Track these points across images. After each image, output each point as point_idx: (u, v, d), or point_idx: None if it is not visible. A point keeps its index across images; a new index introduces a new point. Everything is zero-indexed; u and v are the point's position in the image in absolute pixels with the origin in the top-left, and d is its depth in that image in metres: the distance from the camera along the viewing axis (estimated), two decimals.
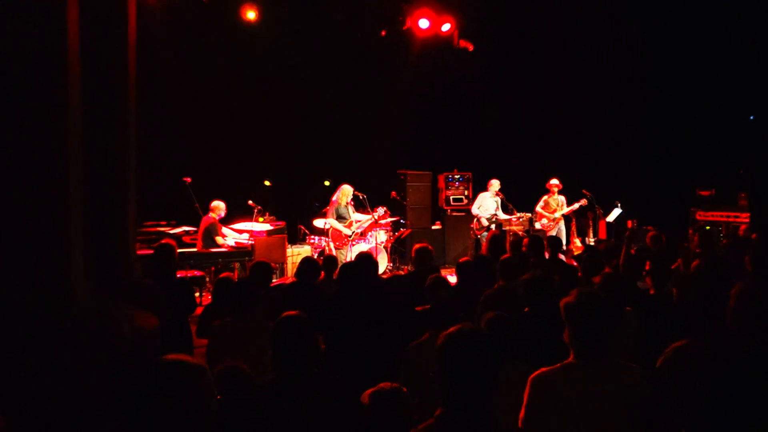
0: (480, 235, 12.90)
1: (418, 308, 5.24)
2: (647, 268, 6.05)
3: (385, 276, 7.02)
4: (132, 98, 6.47)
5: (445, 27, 13.96)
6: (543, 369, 3.11)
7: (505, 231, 12.70)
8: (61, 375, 2.57)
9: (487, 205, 13.07)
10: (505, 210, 13.14)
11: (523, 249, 7.82)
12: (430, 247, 7.35)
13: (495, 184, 13.12)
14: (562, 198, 13.13)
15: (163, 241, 6.54)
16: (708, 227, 12.86)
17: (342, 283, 5.85)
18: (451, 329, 2.33)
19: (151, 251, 6.99)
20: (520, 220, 13.08)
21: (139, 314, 2.96)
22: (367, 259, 6.11)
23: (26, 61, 3.93)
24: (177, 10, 12.00)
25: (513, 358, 3.81)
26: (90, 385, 2.46)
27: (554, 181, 13.13)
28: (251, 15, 12.22)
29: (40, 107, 4.05)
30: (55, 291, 4.04)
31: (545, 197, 13.15)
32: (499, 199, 13.10)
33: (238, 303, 4.99)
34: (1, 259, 3.91)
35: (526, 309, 4.87)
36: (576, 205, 13.03)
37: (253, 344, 4.71)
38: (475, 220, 13.14)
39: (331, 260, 7.52)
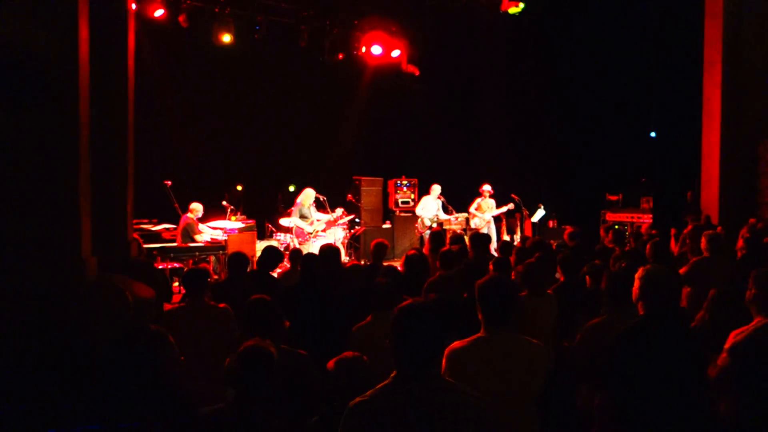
0: (423, 233, 12.99)
1: None
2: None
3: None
4: (131, 103, 6.42)
5: (395, 53, 14.09)
6: (456, 342, 3.19)
7: (444, 229, 12.84)
8: (77, 331, 2.57)
9: (429, 206, 13.18)
10: (445, 211, 13.28)
11: (467, 246, 7.91)
12: (386, 242, 7.48)
13: (436, 189, 13.23)
14: (492, 201, 13.34)
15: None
16: (617, 226, 13.24)
17: (303, 271, 5.89)
18: (403, 304, 2.40)
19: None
20: (458, 220, 13.24)
21: (137, 286, 2.96)
22: (328, 250, 6.16)
23: (47, 77, 3.92)
24: (159, 32, 11.87)
25: (451, 334, 3.89)
26: (99, 340, 2.46)
27: (486, 187, 13.34)
28: (226, 39, 12.12)
29: (56, 115, 4.03)
30: (69, 264, 4.03)
31: (478, 200, 13.33)
32: (440, 202, 13.23)
33: (188, 289, 4.78)
34: (27, 239, 3.88)
35: (465, 294, 4.96)
36: (504, 209, 13.28)
37: (206, 326, 4.58)
38: (419, 220, 13.24)
39: (296, 253, 7.54)
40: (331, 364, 3.20)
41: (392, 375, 2.34)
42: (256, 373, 2.78)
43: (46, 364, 2.52)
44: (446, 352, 3.11)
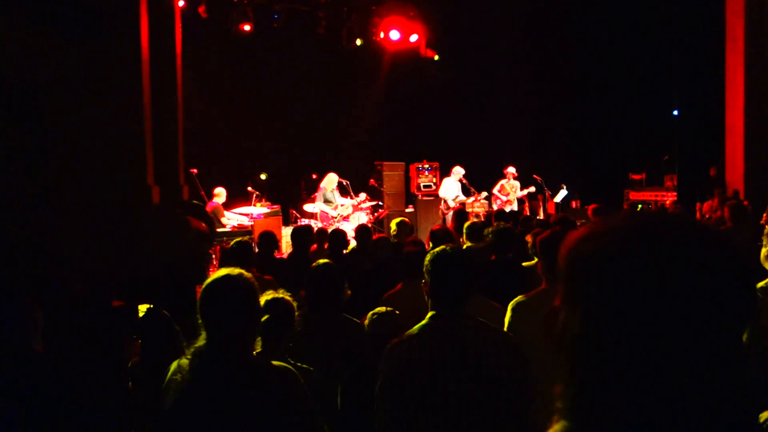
0: (447, 214, 13.11)
1: None
2: None
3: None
4: (179, 59, 6.78)
5: (413, 38, 14.21)
6: (519, 296, 3.37)
7: (467, 211, 12.95)
8: (145, 246, 2.78)
9: (451, 188, 13.32)
10: (467, 193, 13.38)
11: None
12: (408, 221, 7.68)
13: (457, 171, 13.36)
14: (516, 183, 13.46)
15: None
16: (640, 206, 13.31)
17: (331, 246, 6.14)
18: (436, 249, 2.57)
19: None
20: (481, 202, 13.34)
21: (193, 220, 3.15)
22: (362, 228, 6.45)
23: (110, 14, 4.22)
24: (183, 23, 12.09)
25: (479, 294, 4.05)
26: (165, 257, 2.65)
27: (511, 169, 13.46)
28: (246, 28, 12.34)
29: (120, 51, 4.34)
30: (137, 189, 4.31)
31: (502, 181, 13.45)
32: (460, 183, 13.34)
33: (237, 260, 5.01)
34: (101, 165, 4.15)
35: (493, 257, 5.11)
36: (526, 191, 13.40)
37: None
38: (442, 202, 13.38)
39: (322, 233, 7.76)
40: (365, 318, 3.37)
41: (428, 315, 2.51)
42: (276, 323, 2.89)
43: (117, 276, 2.74)
44: (510, 305, 3.28)
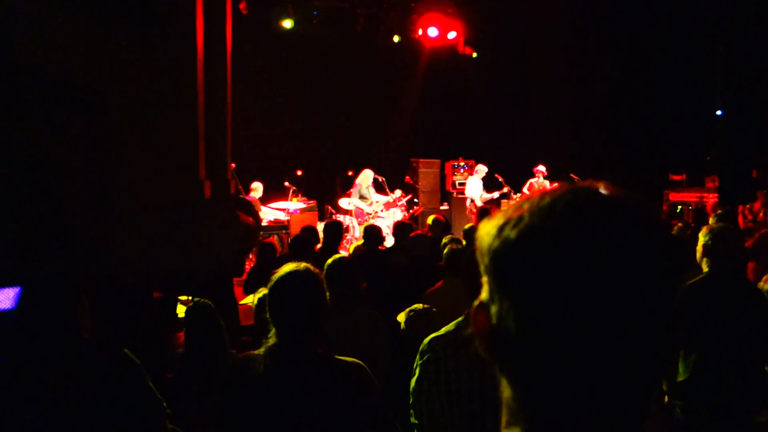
0: (473, 214, 13.05)
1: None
2: None
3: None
4: (228, 57, 6.94)
5: (451, 35, 14.17)
6: None
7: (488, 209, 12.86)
8: (194, 243, 2.84)
9: (476, 186, 13.30)
10: (498, 187, 13.27)
11: None
12: (442, 217, 7.71)
13: (480, 169, 13.33)
14: (546, 182, 13.31)
15: None
16: (679, 207, 13.12)
17: (366, 240, 6.21)
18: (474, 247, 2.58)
19: None
20: (515, 199, 13.23)
21: (242, 215, 3.23)
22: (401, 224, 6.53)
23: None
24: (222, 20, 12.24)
25: None
26: (218, 250, 2.71)
27: (541, 168, 13.34)
28: (287, 24, 12.45)
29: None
30: (189, 183, 4.43)
31: (531, 180, 13.32)
32: (481, 182, 13.28)
33: (295, 252, 5.16)
34: (155, 158, 4.27)
35: None
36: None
37: None
38: (469, 201, 13.36)
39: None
40: (401, 315, 3.40)
41: (465, 312, 2.53)
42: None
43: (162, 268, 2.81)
44: None
